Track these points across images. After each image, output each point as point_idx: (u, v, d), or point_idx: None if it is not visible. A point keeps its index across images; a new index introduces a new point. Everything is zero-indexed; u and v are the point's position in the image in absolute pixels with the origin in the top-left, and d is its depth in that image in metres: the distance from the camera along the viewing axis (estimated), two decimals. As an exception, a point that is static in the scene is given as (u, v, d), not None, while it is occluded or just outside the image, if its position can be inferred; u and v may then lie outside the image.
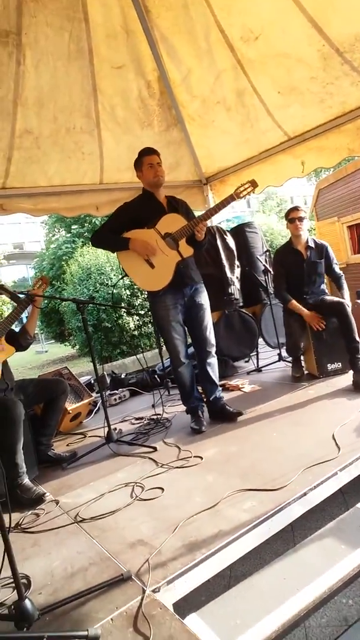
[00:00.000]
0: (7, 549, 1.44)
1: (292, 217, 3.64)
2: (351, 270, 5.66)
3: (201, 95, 4.02)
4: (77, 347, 10.36)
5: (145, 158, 3.03)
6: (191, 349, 3.33)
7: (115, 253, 3.15)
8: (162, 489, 2.32)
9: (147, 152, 3.05)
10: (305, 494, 1.97)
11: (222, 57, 3.64)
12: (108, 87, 3.85)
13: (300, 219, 3.59)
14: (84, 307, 3.06)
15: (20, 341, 3.05)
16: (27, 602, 1.44)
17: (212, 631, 1.55)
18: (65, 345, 12.83)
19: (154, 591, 1.56)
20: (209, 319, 3.18)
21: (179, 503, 2.14)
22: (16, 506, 2.43)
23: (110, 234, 3.06)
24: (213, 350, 3.21)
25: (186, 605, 1.70)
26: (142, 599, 1.52)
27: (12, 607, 1.45)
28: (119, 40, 3.60)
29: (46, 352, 15.98)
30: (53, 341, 15.13)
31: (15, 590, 1.45)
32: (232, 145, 4.48)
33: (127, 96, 3.99)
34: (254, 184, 2.93)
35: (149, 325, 8.31)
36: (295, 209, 3.70)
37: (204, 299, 3.16)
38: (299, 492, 1.98)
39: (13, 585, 1.73)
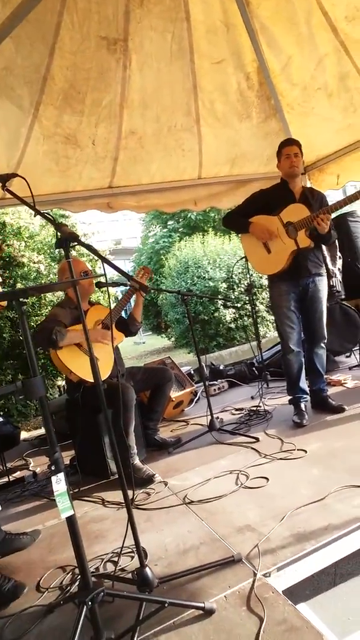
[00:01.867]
0: (131, 520, 1.59)
1: None
2: None
3: (301, 82, 3.91)
4: (174, 338, 10.68)
5: (285, 149, 3.18)
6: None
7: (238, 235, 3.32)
8: (267, 478, 2.36)
9: (287, 143, 3.21)
10: None
11: (323, 41, 3.50)
12: (208, 84, 3.90)
13: None
14: (188, 299, 3.18)
15: (129, 327, 3.27)
16: (147, 570, 1.58)
17: (323, 624, 1.57)
18: (162, 337, 13.28)
19: (265, 575, 1.61)
20: (322, 311, 3.19)
21: (284, 493, 2.17)
22: (129, 485, 2.62)
23: (237, 216, 3.32)
24: (322, 342, 3.23)
25: (292, 596, 1.72)
26: (253, 582, 1.58)
27: (135, 572, 1.60)
28: (219, 35, 3.63)
29: (144, 343, 16.63)
30: (150, 333, 15.73)
31: (137, 559, 1.59)
32: (333, 133, 4.29)
33: (226, 90, 4.01)
34: None
35: (245, 319, 8.32)
36: None
37: (320, 291, 3.18)
38: None
39: (132, 554, 1.90)
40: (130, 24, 3.34)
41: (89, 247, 1.78)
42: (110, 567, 1.88)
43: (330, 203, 3.17)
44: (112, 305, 2.91)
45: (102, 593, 1.41)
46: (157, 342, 15.44)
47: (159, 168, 4.37)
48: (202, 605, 1.48)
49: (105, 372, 2.83)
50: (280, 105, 4.18)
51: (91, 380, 3.11)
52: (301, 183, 3.20)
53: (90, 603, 1.36)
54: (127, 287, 3.12)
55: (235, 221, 3.35)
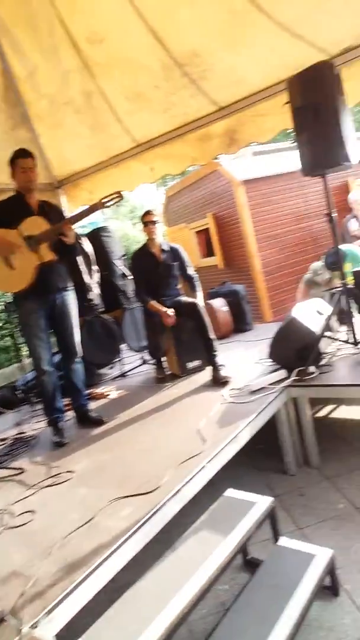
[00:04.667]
0: None
1: (145, 220, 3.74)
2: (202, 273, 5.98)
3: (49, 94, 3.88)
4: None
5: (19, 161, 2.93)
6: (56, 358, 3.22)
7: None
8: (33, 512, 2.17)
9: (21, 155, 2.95)
10: (179, 491, 2.04)
11: (68, 57, 3.56)
12: None
13: (153, 223, 3.71)
14: None
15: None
16: None
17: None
18: None
19: (32, 627, 1.44)
20: (73, 326, 3.14)
21: (53, 523, 2.03)
22: None
23: None
24: (78, 357, 3.19)
25: (70, 635, 1.61)
26: (20, 640, 1.40)
27: None
28: None
29: None
30: None
31: None
32: (84, 149, 4.41)
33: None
34: (120, 195, 2.97)
35: (8, 339, 7.71)
36: (148, 212, 3.80)
37: (70, 306, 3.12)
38: (172, 490, 2.03)
39: None
40: None
41: None
42: None
43: (98, 215, 3.21)
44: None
45: None
46: None
47: None
48: None
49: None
50: (28, 114, 4.05)
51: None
52: (37, 195, 3.09)
53: None
54: None
55: None
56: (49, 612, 1.49)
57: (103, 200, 2.95)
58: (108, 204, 2.97)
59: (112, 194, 2.97)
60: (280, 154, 6.39)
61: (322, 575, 1.85)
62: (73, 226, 3.00)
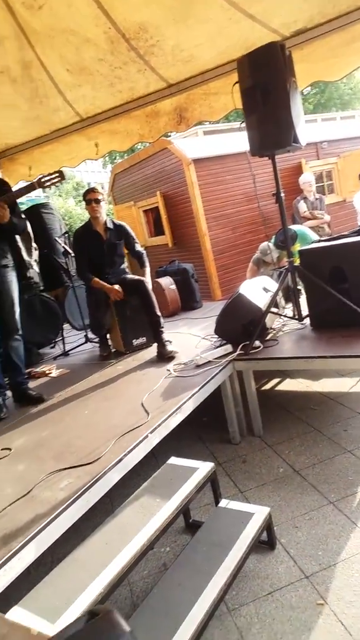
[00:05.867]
0: None
1: (88, 198, 3.66)
2: (150, 252, 5.97)
3: (-19, 61, 3.66)
4: None
5: None
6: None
7: None
8: (-33, 489, 2.11)
9: None
10: (120, 460, 2.05)
11: (2, 22, 3.36)
12: None
13: (97, 201, 3.63)
14: None
15: None
16: None
17: (36, 616, 1.51)
18: None
19: (-33, 594, 1.42)
20: (13, 302, 3.07)
21: (-12, 500, 1.98)
22: None
23: None
24: (16, 334, 3.12)
25: (8, 602, 1.60)
26: None
27: None
28: None
29: None
30: None
31: None
32: (20, 121, 4.21)
33: None
34: (61, 175, 2.91)
35: None
36: (92, 190, 3.72)
37: (7, 282, 3.05)
38: (113, 460, 2.04)
39: None
40: None
41: None
42: None
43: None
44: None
45: None
46: None
47: None
48: None
49: None
50: None
51: None
52: None
53: None
54: None
55: None
56: (-16, 580, 1.47)
57: (42, 180, 2.86)
58: (47, 183, 2.89)
59: (52, 174, 2.89)
60: (232, 133, 6.44)
61: (259, 530, 1.93)
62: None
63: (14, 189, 3.28)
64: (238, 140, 5.79)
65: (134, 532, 1.82)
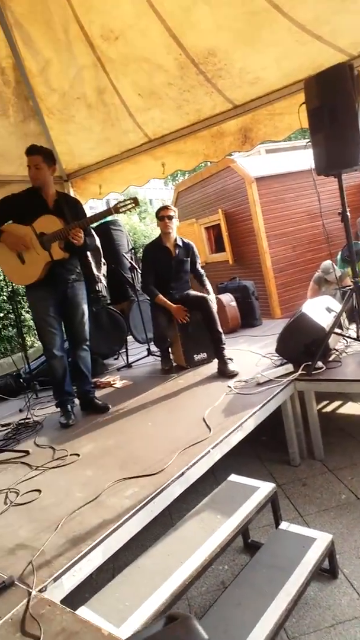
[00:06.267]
0: None
1: (162, 215, 3.80)
2: (210, 268, 6.07)
3: (60, 89, 3.93)
4: None
5: (27, 157, 3.00)
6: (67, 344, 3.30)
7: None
8: (39, 490, 2.23)
9: (27, 152, 3.01)
10: (182, 474, 2.09)
11: (82, 53, 3.62)
12: None
13: (170, 218, 3.77)
14: None
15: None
16: None
17: (102, 619, 1.56)
18: None
19: (40, 591, 1.50)
20: (83, 314, 3.22)
21: (58, 501, 2.09)
22: None
23: None
24: (84, 344, 3.27)
25: (73, 603, 1.67)
26: (28, 602, 1.46)
27: None
28: (-34, 19, 3.34)
29: None
30: None
31: None
32: (94, 143, 4.47)
33: (-22, 81, 3.72)
34: (135, 202, 3.03)
35: (10, 329, 7.80)
36: (165, 207, 3.87)
37: (79, 295, 3.20)
38: (176, 473, 2.08)
39: None
40: None
41: None
42: None
43: (86, 209, 3.26)
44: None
45: None
46: None
47: None
48: (-33, 649, 1.28)
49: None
50: (39, 108, 4.12)
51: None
52: (54, 189, 3.14)
53: None
54: None
55: None
56: (56, 579, 1.55)
57: (118, 206, 3.01)
58: (122, 209, 3.03)
59: (127, 200, 3.02)
60: (294, 151, 6.42)
61: (321, 557, 1.88)
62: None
63: (85, 206, 3.47)
64: (300, 159, 5.78)
65: (195, 546, 1.84)
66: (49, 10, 3.33)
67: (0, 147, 4.20)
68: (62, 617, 1.37)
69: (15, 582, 1.56)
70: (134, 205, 3.02)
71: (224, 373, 3.39)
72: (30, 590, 1.51)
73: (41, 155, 3.02)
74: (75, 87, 3.88)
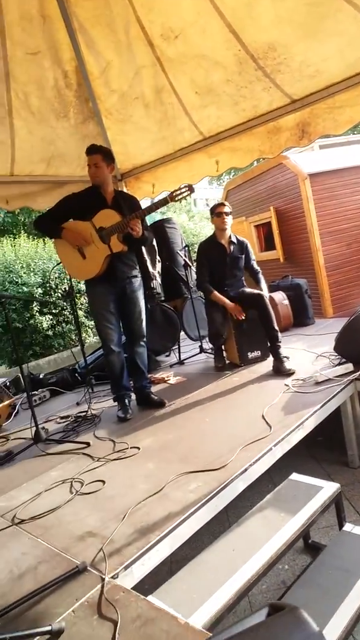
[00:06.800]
0: None
1: (218, 211, 3.81)
2: (260, 266, 5.97)
3: (119, 89, 4.00)
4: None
5: (87, 157, 3.11)
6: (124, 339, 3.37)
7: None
8: (102, 481, 2.29)
9: (87, 151, 3.12)
10: (245, 470, 2.08)
11: (141, 53, 3.66)
12: (22, 74, 3.67)
13: (226, 214, 3.78)
14: (6, 303, 2.91)
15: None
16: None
17: (170, 609, 1.58)
18: None
19: (113, 577, 1.55)
20: (140, 311, 3.27)
21: (123, 492, 2.14)
22: None
23: (49, 221, 3.19)
24: (142, 340, 3.32)
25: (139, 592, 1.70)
26: (102, 587, 1.50)
27: None
28: (34, 25, 3.45)
29: None
30: None
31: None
32: (149, 142, 4.52)
33: (42, 85, 3.83)
34: (191, 188, 3.04)
35: (64, 325, 8.06)
36: (221, 204, 3.88)
37: (137, 293, 3.26)
38: (239, 469, 2.08)
39: None
40: None
41: None
42: None
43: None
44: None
45: None
46: None
47: (-34, 160, 3.93)
48: (48, 628, 1.34)
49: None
50: (98, 109, 4.20)
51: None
52: (112, 187, 3.22)
53: None
54: None
55: (46, 225, 3.23)
56: (127, 567, 1.59)
57: (174, 194, 3.03)
58: (178, 197, 3.05)
59: (182, 188, 3.03)
60: (349, 146, 6.25)
61: (391, 562, 1.83)
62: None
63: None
64: (355, 153, 5.62)
65: (260, 543, 1.84)
66: (112, 12, 3.39)
67: (61, 149, 4.33)
68: (137, 604, 1.41)
69: (88, 568, 1.62)
70: (189, 192, 3.03)
71: (280, 371, 3.35)
72: (103, 576, 1.55)
73: (101, 154, 3.11)
74: (134, 87, 3.94)
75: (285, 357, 3.44)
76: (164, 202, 3.08)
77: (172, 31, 3.43)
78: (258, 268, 3.94)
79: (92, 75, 3.93)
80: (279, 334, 3.55)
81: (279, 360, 3.41)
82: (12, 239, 9.58)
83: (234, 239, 3.85)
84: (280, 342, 3.50)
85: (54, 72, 3.78)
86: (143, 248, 4.42)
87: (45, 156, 4.41)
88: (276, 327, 3.56)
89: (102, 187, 3.16)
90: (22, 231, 12.12)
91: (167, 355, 4.83)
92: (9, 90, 3.71)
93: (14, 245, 9.17)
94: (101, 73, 3.89)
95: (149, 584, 1.85)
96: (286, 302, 4.84)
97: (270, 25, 3.19)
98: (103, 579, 1.53)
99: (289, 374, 3.27)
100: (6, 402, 3.71)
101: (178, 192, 3.02)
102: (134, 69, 3.79)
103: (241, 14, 3.17)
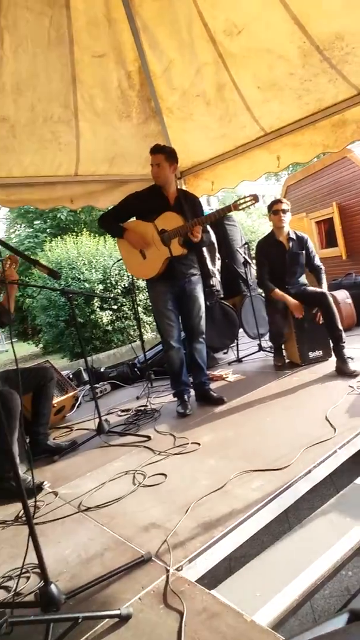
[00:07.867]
0: (33, 535, 1.42)
1: (275, 208, 3.74)
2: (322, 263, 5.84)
3: (181, 87, 4.02)
4: (42, 344, 10.15)
5: (151, 156, 3.17)
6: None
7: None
8: (164, 474, 2.33)
9: (152, 151, 3.18)
10: (309, 472, 2.04)
11: (203, 50, 3.66)
12: (88, 77, 3.78)
13: (284, 211, 3.70)
14: (73, 298, 3.02)
15: (1, 318, 2.86)
16: (52, 586, 1.42)
17: (234, 605, 1.59)
18: (29, 343, 12.49)
19: (177, 569, 1.57)
20: (200, 308, 3.30)
21: (185, 487, 2.16)
22: (18, 498, 2.36)
23: (112, 220, 3.28)
24: (201, 337, 3.35)
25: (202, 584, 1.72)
26: (167, 577, 1.53)
27: (38, 592, 1.43)
28: (101, 29, 3.55)
29: (6, 351, 15.51)
30: (16, 339, 14.70)
31: (33, 579, 1.43)
32: (209, 140, 4.50)
33: (106, 86, 3.93)
34: (255, 198, 3.03)
35: (123, 320, 8.27)
36: (279, 201, 3.80)
37: (196, 290, 3.29)
38: (303, 470, 2.05)
39: (26, 575, 1.71)
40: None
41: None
42: (2, 595, 1.66)
43: (203, 205, 3.32)
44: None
45: (3, 625, 1.23)
46: (22, 350, 14.49)
47: (33, 161, 4.08)
48: (117, 612, 1.39)
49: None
50: (159, 107, 4.25)
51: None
52: (175, 187, 3.25)
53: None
54: None
55: (110, 225, 3.31)
56: (191, 560, 1.61)
57: (237, 203, 3.02)
58: (242, 206, 3.04)
59: (247, 197, 3.02)
60: None
61: None
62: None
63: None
64: None
65: (325, 546, 1.80)
66: (175, 10, 3.42)
67: (123, 148, 4.42)
68: (202, 597, 1.42)
69: (153, 558, 1.65)
70: (254, 202, 3.00)
71: (344, 372, 3.24)
72: (168, 567, 1.58)
73: (163, 154, 3.14)
74: (196, 85, 3.94)
75: (349, 357, 3.33)
76: (227, 210, 3.08)
77: (235, 26, 3.40)
78: (321, 265, 3.82)
79: (155, 75, 3.98)
80: (344, 334, 3.44)
81: (342, 361, 3.31)
82: (75, 237, 9.95)
83: (292, 235, 3.77)
84: (344, 342, 3.39)
85: (117, 73, 3.87)
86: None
87: (108, 156, 4.52)
88: (340, 327, 3.46)
89: (164, 187, 3.20)
90: (84, 229, 12.56)
91: (224, 353, 4.82)
92: (75, 93, 3.84)
93: (77, 243, 9.51)
94: (163, 72, 3.93)
95: (208, 579, 1.86)
96: (349, 300, 4.67)
97: (337, 13, 3.07)
98: (168, 570, 1.57)
99: (353, 375, 3.15)
100: (71, 394, 3.86)
101: (242, 201, 3.01)
102: (195, 66, 3.79)
103: (306, 4, 3.09)
